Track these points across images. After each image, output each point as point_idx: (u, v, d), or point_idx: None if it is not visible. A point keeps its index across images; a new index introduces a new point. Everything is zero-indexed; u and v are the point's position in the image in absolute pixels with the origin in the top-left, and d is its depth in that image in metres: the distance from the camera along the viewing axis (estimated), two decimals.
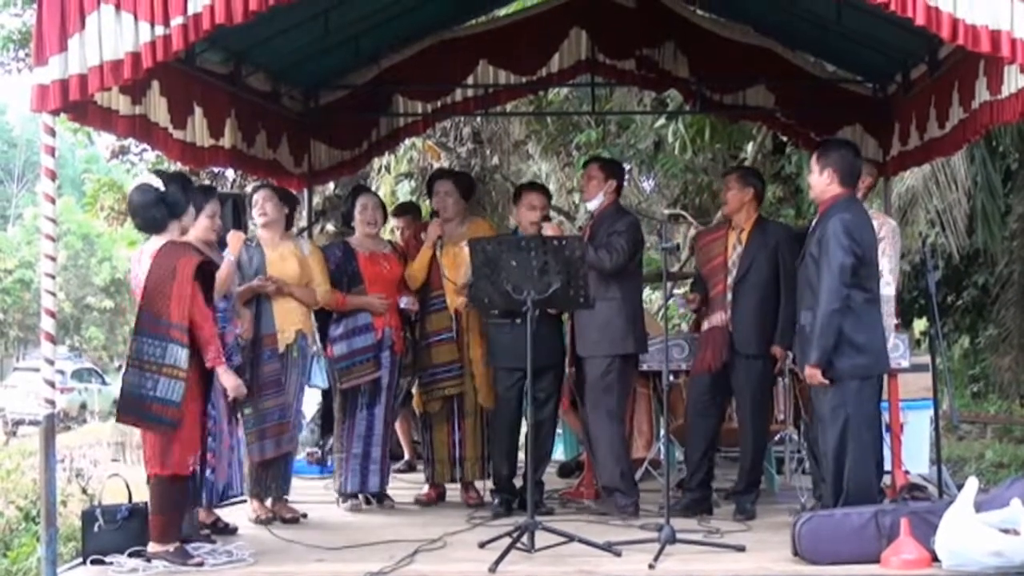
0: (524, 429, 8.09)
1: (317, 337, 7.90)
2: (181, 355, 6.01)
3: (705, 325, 7.77)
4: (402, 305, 7.98)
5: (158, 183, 6.26)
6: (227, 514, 7.16)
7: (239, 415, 7.23)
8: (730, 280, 7.58)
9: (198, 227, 6.73)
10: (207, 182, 12.32)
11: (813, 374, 6.38)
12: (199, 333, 6.10)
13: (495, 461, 7.95)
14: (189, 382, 6.06)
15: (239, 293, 7.24)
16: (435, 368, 8.07)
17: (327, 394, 8.18)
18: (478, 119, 14.23)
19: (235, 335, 6.95)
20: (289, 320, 7.50)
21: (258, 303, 7.42)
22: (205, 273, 6.20)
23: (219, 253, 6.99)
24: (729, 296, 7.56)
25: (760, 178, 8.02)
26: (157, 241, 6.22)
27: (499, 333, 7.73)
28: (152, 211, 6.26)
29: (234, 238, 7.05)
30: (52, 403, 6.09)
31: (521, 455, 8.18)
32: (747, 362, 7.53)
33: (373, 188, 13.75)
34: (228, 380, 6.21)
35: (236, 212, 7.91)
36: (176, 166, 11.17)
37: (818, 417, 6.58)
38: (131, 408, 6.09)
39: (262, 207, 7.63)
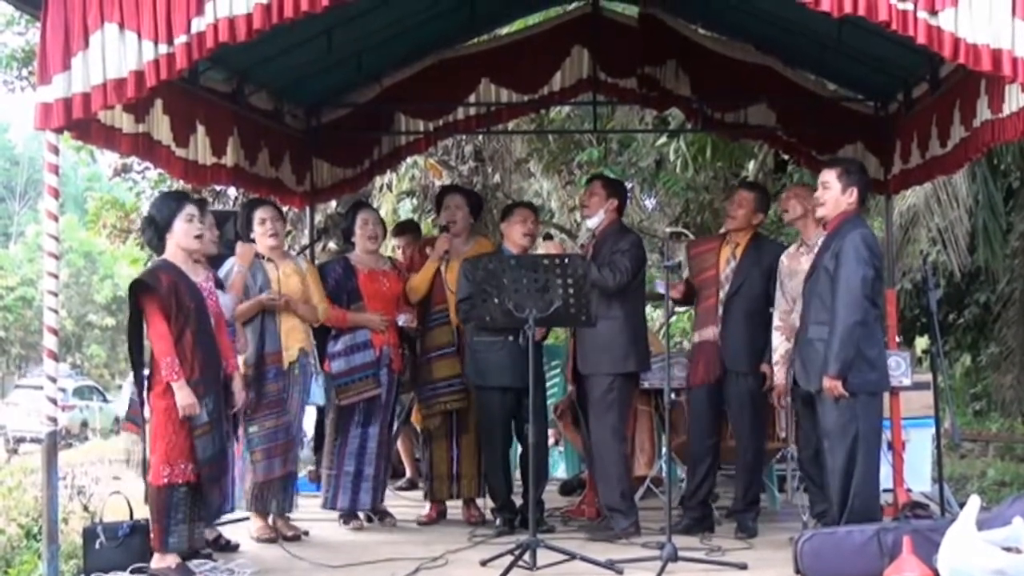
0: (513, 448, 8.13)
1: (316, 355, 7.90)
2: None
3: (696, 338, 7.79)
4: (401, 323, 7.98)
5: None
6: (229, 531, 7.15)
7: (238, 432, 7.21)
8: (722, 294, 7.59)
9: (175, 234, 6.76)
10: (207, 198, 12.34)
11: (834, 386, 6.37)
12: (153, 349, 6.14)
13: (493, 481, 7.94)
14: (158, 394, 6.12)
15: (243, 311, 7.25)
16: (436, 383, 8.07)
17: (321, 410, 8.16)
18: (480, 137, 14.25)
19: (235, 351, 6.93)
20: (293, 338, 7.51)
21: (263, 321, 7.42)
22: (154, 287, 6.15)
23: (207, 267, 6.95)
24: (720, 310, 7.58)
25: (769, 202, 8.04)
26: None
27: (490, 352, 7.72)
28: (145, 236, 6.58)
29: (245, 249, 7.07)
30: (54, 420, 6.10)
31: (517, 474, 8.19)
32: (737, 379, 7.55)
33: (375, 206, 13.79)
34: (180, 397, 6.08)
35: (236, 231, 7.92)
36: (179, 184, 11.19)
37: (824, 433, 6.56)
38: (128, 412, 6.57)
39: (273, 226, 7.63)
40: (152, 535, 6.20)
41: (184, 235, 6.32)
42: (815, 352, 6.53)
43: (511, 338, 7.11)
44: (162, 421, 6.13)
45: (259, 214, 7.61)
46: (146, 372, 6.33)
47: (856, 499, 6.39)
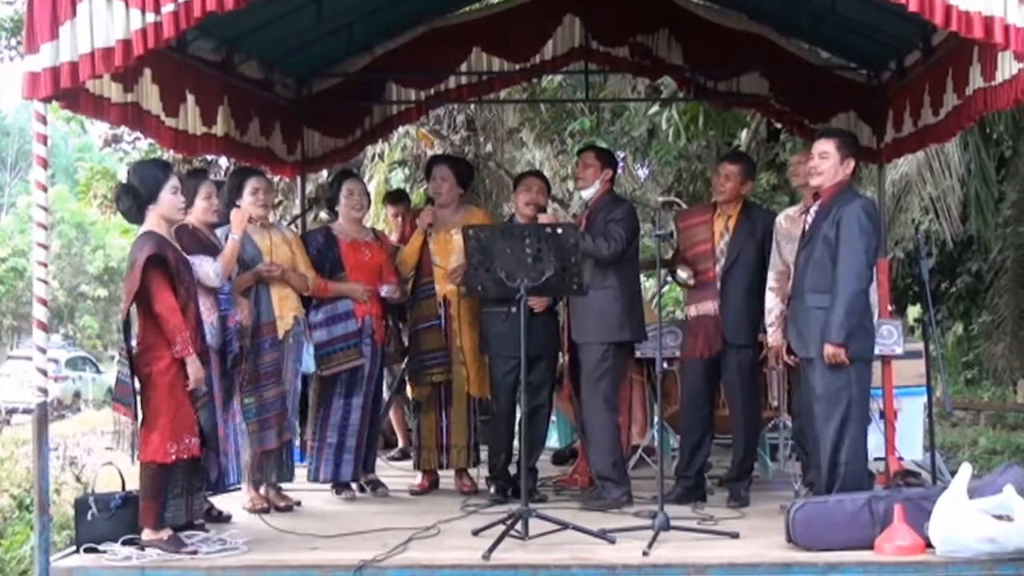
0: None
1: (307, 323, 7.88)
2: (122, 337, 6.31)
3: (693, 311, 7.75)
4: (384, 293, 7.94)
5: (125, 176, 6.40)
6: (221, 502, 7.15)
7: (236, 404, 7.19)
8: (719, 268, 7.57)
9: (196, 210, 6.71)
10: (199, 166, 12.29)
11: (836, 353, 6.38)
12: (164, 325, 6.06)
13: (491, 449, 7.95)
14: (160, 369, 6.07)
15: (238, 281, 7.22)
16: (423, 355, 8.09)
17: (304, 380, 8.16)
18: (472, 107, 14.21)
19: (236, 321, 6.91)
20: (286, 307, 7.48)
21: (256, 291, 7.39)
22: (165, 261, 6.10)
23: (215, 237, 6.96)
24: (719, 284, 7.56)
25: (755, 170, 8.01)
26: (141, 231, 6.28)
27: (493, 322, 7.71)
28: (121, 204, 6.36)
29: (238, 216, 6.99)
30: (44, 391, 6.09)
31: (515, 443, 8.19)
32: (737, 351, 7.53)
33: (367, 176, 13.74)
34: (192, 371, 6.08)
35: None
36: (169, 154, 11.15)
37: (815, 400, 6.57)
38: (114, 392, 6.37)
39: (264, 197, 7.57)
40: (143, 512, 6.15)
41: (170, 206, 6.25)
42: (814, 319, 6.53)
43: (514, 309, 7.13)
44: (165, 397, 6.07)
45: (252, 183, 7.52)
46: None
47: (847, 467, 6.41)
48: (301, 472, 8.02)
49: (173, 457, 6.09)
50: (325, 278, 7.80)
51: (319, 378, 7.84)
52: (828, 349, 6.41)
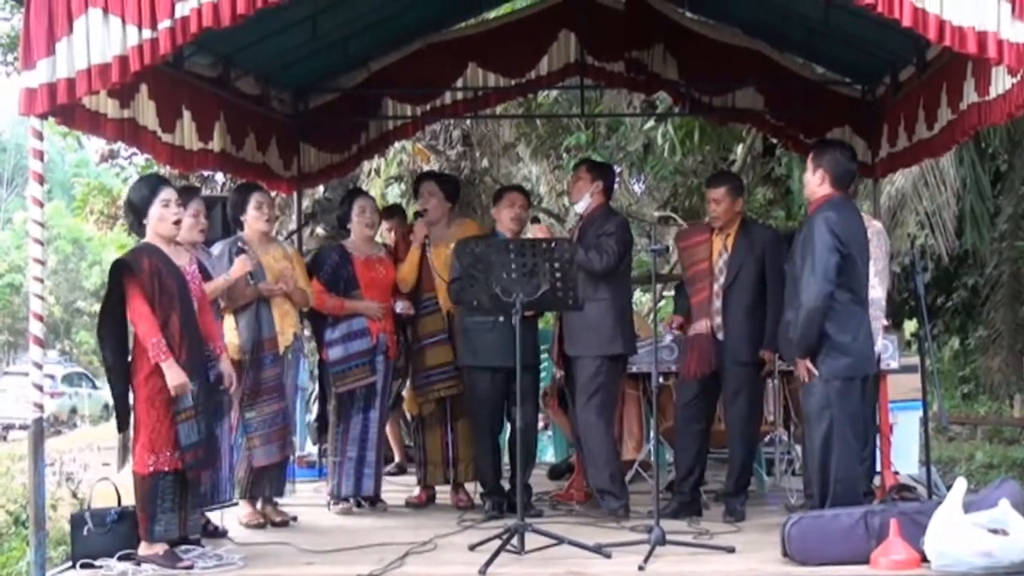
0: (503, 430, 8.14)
1: (304, 338, 7.88)
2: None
3: (690, 331, 7.74)
4: (398, 309, 7.97)
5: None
6: (217, 517, 7.14)
7: (233, 420, 7.18)
8: (717, 286, 7.53)
9: (182, 227, 6.72)
10: (196, 184, 12.31)
11: (801, 366, 6.43)
12: (136, 331, 6.11)
13: (482, 464, 7.93)
14: (141, 380, 6.10)
15: (237, 295, 7.23)
16: (429, 371, 8.06)
17: (323, 398, 8.15)
18: (468, 122, 14.22)
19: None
20: (287, 322, 7.49)
21: (257, 306, 7.39)
22: (135, 268, 6.13)
23: (205, 254, 6.97)
24: (717, 303, 7.52)
25: (743, 183, 8.03)
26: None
27: (479, 333, 7.69)
28: (126, 220, 6.66)
29: (241, 264, 7.05)
30: (40, 407, 6.09)
31: (505, 457, 8.19)
32: (739, 369, 7.49)
33: None
34: (170, 376, 6.04)
35: (225, 215, 7.91)
36: (165, 170, 11.17)
37: (804, 417, 6.60)
38: None
39: (268, 212, 7.60)
40: (139, 523, 6.16)
41: (159, 220, 6.25)
42: (787, 335, 6.61)
43: (502, 319, 7.10)
44: (145, 408, 6.10)
45: (256, 198, 7.57)
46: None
47: (837, 484, 6.40)
48: (297, 487, 8.02)
49: (151, 469, 6.08)
50: (340, 295, 7.82)
51: (336, 395, 7.85)
52: (798, 366, 6.49)
